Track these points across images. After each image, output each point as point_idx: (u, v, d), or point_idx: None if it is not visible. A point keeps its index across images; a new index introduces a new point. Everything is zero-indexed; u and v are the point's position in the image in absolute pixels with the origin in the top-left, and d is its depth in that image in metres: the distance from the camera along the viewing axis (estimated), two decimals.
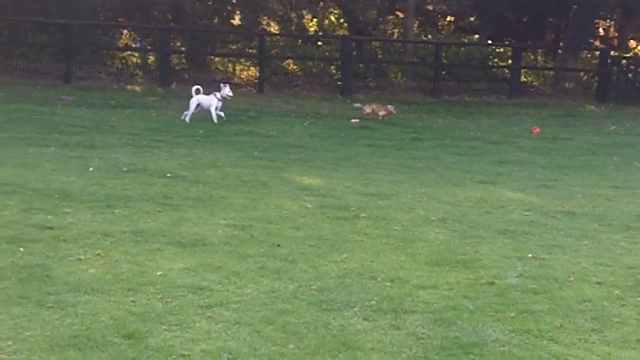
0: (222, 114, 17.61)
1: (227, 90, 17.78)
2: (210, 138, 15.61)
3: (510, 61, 28.58)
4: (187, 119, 17.48)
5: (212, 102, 17.59)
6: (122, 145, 14.08)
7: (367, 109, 20.11)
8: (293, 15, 32.02)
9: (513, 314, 6.36)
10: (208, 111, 17.52)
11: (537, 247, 8.56)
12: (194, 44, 27.78)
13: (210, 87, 19.35)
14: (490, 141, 17.32)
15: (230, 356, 5.42)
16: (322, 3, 32.95)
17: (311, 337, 5.78)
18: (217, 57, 28.17)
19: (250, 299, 6.48)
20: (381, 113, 20.08)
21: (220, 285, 6.79)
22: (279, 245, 8.11)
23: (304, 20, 32.64)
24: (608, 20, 36.14)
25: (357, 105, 20.86)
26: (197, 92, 17.62)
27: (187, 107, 17.66)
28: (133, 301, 6.32)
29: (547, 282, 7.26)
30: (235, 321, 6.01)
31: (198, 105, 17.53)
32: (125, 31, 28.42)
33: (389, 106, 20.54)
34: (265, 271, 7.23)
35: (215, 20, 30.07)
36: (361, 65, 27.61)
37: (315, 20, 32.83)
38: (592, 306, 6.66)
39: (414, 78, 27.86)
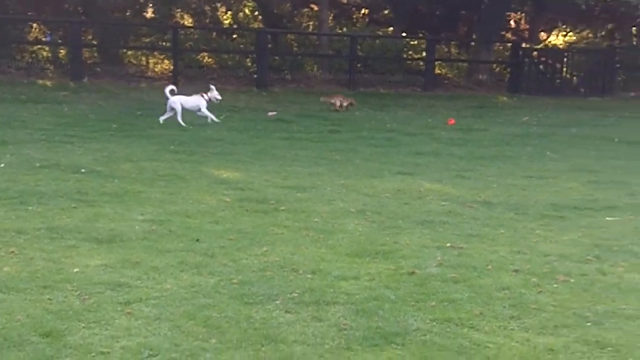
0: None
1: (215, 94, 17.34)
2: (124, 132, 15.39)
3: (424, 54, 28.84)
4: (179, 120, 16.62)
5: (200, 102, 17.11)
6: (34, 141, 13.78)
7: (337, 102, 20.92)
8: (207, 8, 31.75)
9: (434, 303, 6.40)
10: (187, 113, 16.87)
11: (456, 236, 8.64)
12: (106, 37, 27.33)
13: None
14: (407, 133, 17.45)
15: (151, 352, 5.33)
16: None
17: (233, 331, 5.73)
18: (130, 50, 27.79)
19: (170, 294, 6.40)
20: (345, 103, 20.92)
21: (139, 281, 6.69)
22: (198, 239, 8.03)
23: (218, 13, 32.41)
24: (519, 13, 36.75)
25: (322, 99, 21.31)
26: (172, 92, 16.95)
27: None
28: (50, 299, 6.18)
29: (466, 270, 7.33)
30: (155, 317, 5.93)
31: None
32: (35, 24, 27.81)
33: (351, 99, 21.53)
34: (185, 266, 7.15)
35: (128, 13, 29.64)
36: (277, 57, 27.54)
37: (229, 13, 32.63)
38: (511, 294, 6.74)
39: (329, 70, 27.90)
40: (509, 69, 29.80)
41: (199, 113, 17.20)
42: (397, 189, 11.17)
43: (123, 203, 9.50)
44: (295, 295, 6.48)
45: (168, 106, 16.87)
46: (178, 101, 16.84)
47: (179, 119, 16.66)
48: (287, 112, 19.94)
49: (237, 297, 6.39)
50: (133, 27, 28.70)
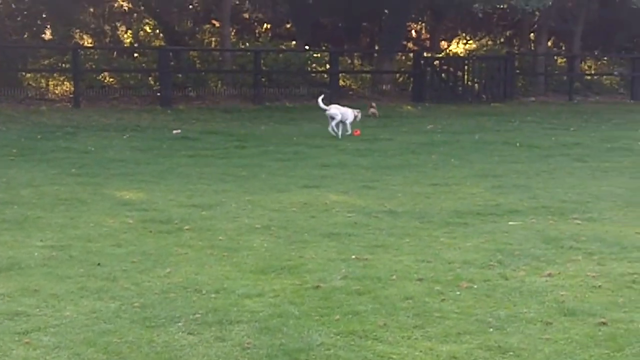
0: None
1: (359, 115, 18.86)
2: (25, 157, 15.07)
3: (328, 66, 28.97)
4: (348, 129, 18.47)
5: (349, 116, 18.40)
6: None
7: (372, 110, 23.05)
8: (107, 27, 31.39)
9: (338, 317, 6.38)
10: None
11: (361, 248, 8.65)
12: (3, 60, 26.74)
13: None
14: (314, 145, 17.47)
15: None
16: (135, 14, 32.47)
17: (134, 356, 5.61)
18: (29, 73, 27.27)
19: (69, 322, 6.25)
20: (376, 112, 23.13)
21: (37, 310, 6.51)
22: (99, 264, 7.87)
23: (119, 32, 32.07)
24: (419, 23, 37.30)
25: (372, 110, 23.16)
26: (324, 101, 18.15)
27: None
28: None
29: (370, 282, 7.34)
30: (54, 345, 5.78)
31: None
32: None
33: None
34: (85, 292, 6.99)
35: (25, 35, 29.10)
36: (180, 75, 27.36)
37: (130, 31, 32.32)
38: (414, 303, 6.76)
39: (234, 86, 27.82)
40: (411, 79, 30.13)
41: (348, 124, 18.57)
42: (304, 202, 11.16)
43: (22, 229, 9.28)
44: (198, 315, 6.39)
45: (329, 116, 18.27)
46: (337, 110, 18.36)
47: (334, 125, 18.34)
48: (192, 129, 19.81)
49: (139, 321, 6.28)
50: (31, 50, 28.18)
